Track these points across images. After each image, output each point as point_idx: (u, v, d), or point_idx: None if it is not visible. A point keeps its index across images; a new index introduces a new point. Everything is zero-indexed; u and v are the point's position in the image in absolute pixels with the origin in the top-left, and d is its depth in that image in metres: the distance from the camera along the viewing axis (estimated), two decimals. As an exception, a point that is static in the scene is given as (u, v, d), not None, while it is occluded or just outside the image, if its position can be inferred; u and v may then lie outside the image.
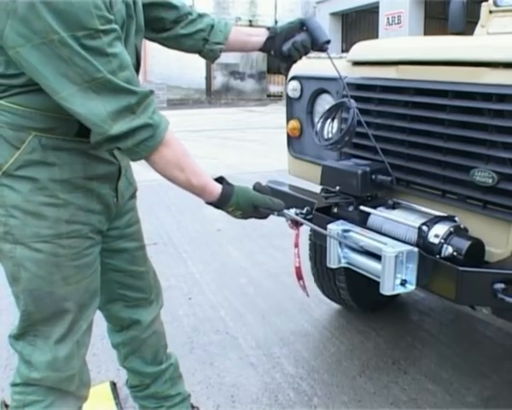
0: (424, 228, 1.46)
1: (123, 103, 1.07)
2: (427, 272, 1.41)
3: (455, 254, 1.39)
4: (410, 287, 1.41)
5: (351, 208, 1.68)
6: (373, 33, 16.01)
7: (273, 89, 21.28)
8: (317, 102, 2.04)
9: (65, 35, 0.99)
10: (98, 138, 1.11)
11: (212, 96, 19.95)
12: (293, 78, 2.09)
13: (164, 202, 4.90)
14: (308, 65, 1.99)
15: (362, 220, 1.64)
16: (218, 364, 2.23)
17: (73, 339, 1.30)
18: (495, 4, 2.52)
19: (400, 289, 1.41)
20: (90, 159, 1.23)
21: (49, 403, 1.31)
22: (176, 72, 18.10)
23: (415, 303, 2.80)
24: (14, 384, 1.33)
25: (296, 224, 1.52)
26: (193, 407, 1.81)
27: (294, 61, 1.60)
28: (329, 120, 1.68)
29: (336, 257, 1.56)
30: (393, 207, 1.65)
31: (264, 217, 1.40)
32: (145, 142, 1.12)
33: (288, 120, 2.15)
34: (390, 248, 1.39)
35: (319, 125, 1.68)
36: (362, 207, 1.66)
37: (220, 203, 1.30)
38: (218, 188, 1.28)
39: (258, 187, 1.40)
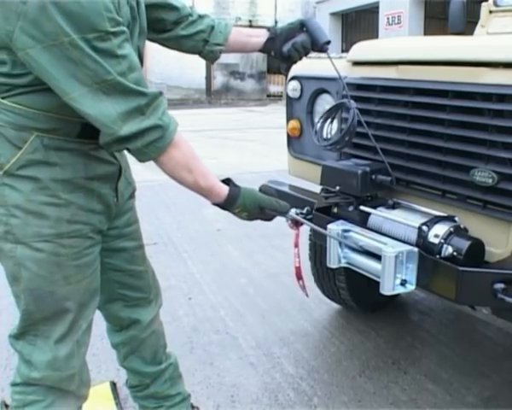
0: (424, 228, 1.46)
1: (133, 104, 1.08)
2: (427, 272, 1.41)
3: (455, 254, 1.39)
4: (410, 287, 1.41)
5: (351, 208, 1.68)
6: (373, 33, 16.01)
7: (273, 89, 21.29)
8: (317, 102, 2.04)
9: (76, 37, 1.00)
10: (107, 139, 1.11)
11: (212, 96, 19.95)
12: (293, 78, 2.09)
13: (164, 202, 4.90)
14: (308, 65, 1.99)
15: (362, 220, 1.64)
16: (218, 364, 2.23)
17: (73, 338, 1.30)
18: (495, 4, 2.52)
19: (400, 289, 1.41)
20: (91, 159, 1.24)
21: (49, 403, 1.31)
22: (176, 72, 18.11)
23: (415, 303, 2.80)
24: (14, 384, 1.33)
25: (296, 224, 1.52)
26: (193, 406, 1.81)
27: (294, 62, 1.60)
28: (329, 121, 1.68)
29: (336, 257, 1.56)
30: (393, 207, 1.65)
31: (270, 219, 1.42)
32: (154, 143, 1.13)
33: (287, 120, 2.15)
34: (390, 248, 1.39)
35: (319, 126, 1.68)
36: (362, 207, 1.66)
37: (227, 205, 1.31)
38: (225, 189, 1.30)
39: (264, 189, 1.41)
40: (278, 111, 13.08)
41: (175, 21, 1.47)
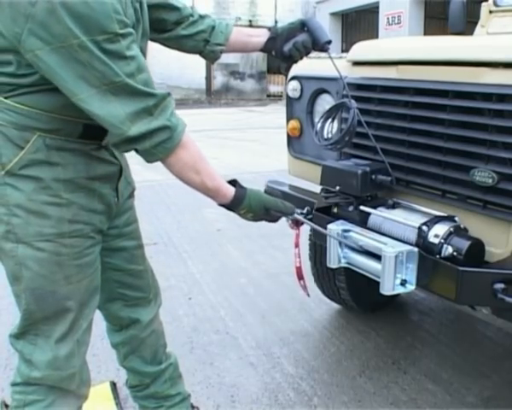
0: (424, 228, 1.46)
1: (141, 105, 1.09)
2: (427, 272, 1.41)
3: (455, 254, 1.39)
4: (410, 287, 1.41)
5: (351, 208, 1.68)
6: (373, 33, 16.02)
7: (273, 89, 21.29)
8: (317, 102, 2.04)
9: (85, 39, 1.00)
10: (116, 140, 1.12)
11: (212, 96, 19.95)
12: (293, 78, 2.09)
13: (164, 201, 4.90)
14: (308, 65, 1.99)
15: (362, 220, 1.64)
16: (218, 364, 2.23)
17: (74, 338, 1.30)
18: (495, 4, 2.52)
19: (400, 289, 1.41)
20: (93, 160, 1.24)
21: (49, 402, 1.31)
22: (176, 72, 18.11)
23: (415, 303, 2.80)
24: (14, 384, 1.33)
25: (297, 224, 1.52)
26: (193, 406, 1.81)
27: (295, 62, 1.60)
28: (330, 120, 1.68)
29: (336, 257, 1.56)
30: (393, 207, 1.65)
31: (275, 220, 1.43)
32: (163, 144, 1.13)
33: (287, 120, 2.15)
34: (390, 248, 1.39)
35: (319, 125, 1.68)
36: (362, 207, 1.66)
37: (233, 205, 1.32)
38: (232, 190, 1.30)
39: (269, 190, 1.42)
40: (278, 111, 13.08)
41: (176, 21, 1.47)
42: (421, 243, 1.46)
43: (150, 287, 1.58)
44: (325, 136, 1.67)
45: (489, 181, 1.40)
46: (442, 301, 2.69)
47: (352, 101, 1.58)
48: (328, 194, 1.76)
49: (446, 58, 1.54)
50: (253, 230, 3.86)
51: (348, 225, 1.58)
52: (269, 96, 20.96)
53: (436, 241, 1.43)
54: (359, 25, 18.99)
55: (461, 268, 1.34)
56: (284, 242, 3.51)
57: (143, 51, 1.29)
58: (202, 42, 1.51)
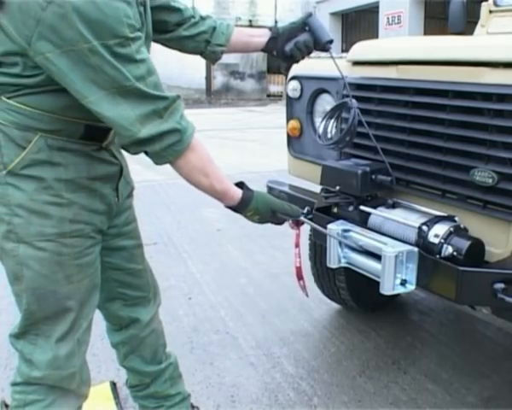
0: (424, 228, 1.46)
1: (151, 107, 1.10)
2: (427, 271, 1.41)
3: (455, 253, 1.39)
4: (410, 287, 1.41)
5: (351, 208, 1.68)
6: (373, 33, 16.00)
7: (273, 89, 21.28)
8: (317, 102, 2.04)
9: (96, 43, 1.01)
10: (126, 141, 1.12)
11: (212, 96, 19.95)
12: (293, 78, 2.09)
13: (164, 201, 4.90)
14: (308, 65, 1.99)
15: (362, 220, 1.64)
16: (218, 364, 2.23)
17: (74, 337, 1.30)
18: (495, 4, 2.51)
19: (400, 289, 1.41)
20: (93, 160, 1.25)
21: (49, 402, 1.31)
22: (176, 72, 18.10)
23: (415, 303, 2.80)
24: (14, 384, 1.33)
25: (297, 223, 1.52)
26: (193, 406, 1.81)
27: (297, 62, 1.60)
28: (331, 120, 1.68)
29: (336, 257, 1.56)
30: (393, 206, 1.65)
31: (281, 223, 1.44)
32: (172, 146, 1.14)
33: (287, 120, 2.15)
34: (390, 248, 1.39)
35: (321, 125, 1.68)
36: (362, 207, 1.66)
37: (240, 208, 1.33)
38: (239, 193, 1.31)
39: (275, 193, 1.42)
40: (278, 111, 13.08)
41: (177, 23, 1.47)
42: (421, 242, 1.46)
43: (150, 286, 1.59)
44: (327, 135, 1.67)
45: (489, 181, 1.40)
46: (442, 301, 2.69)
47: (353, 100, 1.58)
48: (328, 194, 1.76)
49: (446, 58, 1.54)
50: (253, 230, 3.86)
51: (348, 225, 1.58)
52: (269, 96, 20.96)
53: (436, 241, 1.43)
54: (359, 25, 18.99)
55: (461, 268, 1.34)
56: (284, 242, 3.51)
57: None
58: (203, 43, 1.52)
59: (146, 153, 1.16)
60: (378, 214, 1.62)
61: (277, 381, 2.12)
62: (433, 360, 2.27)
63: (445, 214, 1.53)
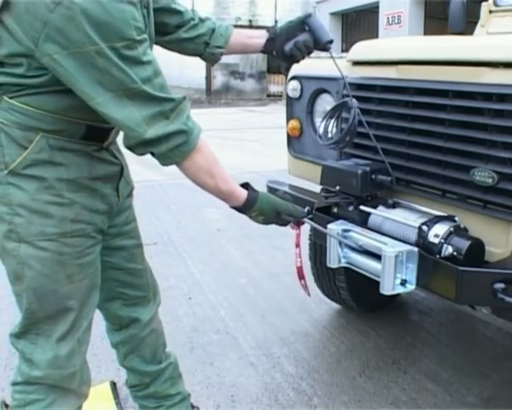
0: (424, 228, 1.46)
1: (157, 109, 1.10)
2: (427, 271, 1.41)
3: (455, 253, 1.39)
4: (410, 287, 1.41)
5: (351, 208, 1.68)
6: (373, 33, 16.00)
7: (273, 89, 21.27)
8: (317, 102, 2.04)
9: (103, 46, 1.01)
10: (132, 142, 1.13)
11: (212, 96, 19.95)
12: (293, 77, 2.09)
13: (164, 201, 4.90)
14: (308, 65, 1.99)
15: (362, 220, 1.64)
16: (218, 364, 2.23)
17: (75, 337, 1.30)
18: (495, 4, 2.51)
19: (400, 289, 1.41)
20: (94, 160, 1.25)
21: (50, 402, 1.31)
22: (176, 72, 18.06)
23: (415, 303, 2.80)
24: (14, 383, 1.33)
25: (297, 223, 1.52)
26: (193, 406, 1.81)
27: (297, 62, 1.60)
28: (331, 120, 1.68)
29: (336, 257, 1.56)
30: (393, 206, 1.65)
31: (285, 224, 1.45)
32: (179, 147, 1.15)
33: (287, 120, 2.15)
34: (390, 248, 1.39)
35: (321, 125, 1.68)
36: (362, 207, 1.66)
37: (245, 208, 1.34)
38: (244, 194, 1.32)
39: (280, 194, 1.43)
40: (278, 111, 13.08)
41: (177, 25, 1.48)
42: (421, 242, 1.46)
43: (149, 286, 1.59)
44: (327, 135, 1.67)
45: (489, 181, 1.40)
46: (442, 301, 2.69)
47: (354, 100, 1.58)
48: (328, 194, 1.76)
49: (446, 58, 1.54)
50: (253, 230, 3.86)
51: (348, 225, 1.58)
52: (269, 95, 20.94)
53: (436, 241, 1.43)
54: (359, 25, 18.98)
55: (461, 268, 1.34)
56: (284, 242, 3.51)
57: None
58: (202, 45, 1.53)
59: (152, 154, 1.16)
60: (378, 214, 1.62)
61: (277, 381, 2.12)
62: (433, 360, 2.27)
63: (445, 214, 1.53)
